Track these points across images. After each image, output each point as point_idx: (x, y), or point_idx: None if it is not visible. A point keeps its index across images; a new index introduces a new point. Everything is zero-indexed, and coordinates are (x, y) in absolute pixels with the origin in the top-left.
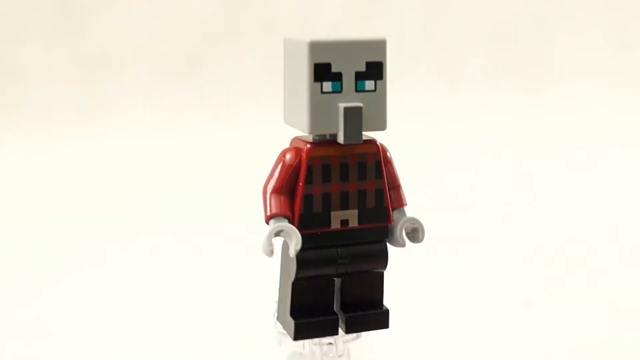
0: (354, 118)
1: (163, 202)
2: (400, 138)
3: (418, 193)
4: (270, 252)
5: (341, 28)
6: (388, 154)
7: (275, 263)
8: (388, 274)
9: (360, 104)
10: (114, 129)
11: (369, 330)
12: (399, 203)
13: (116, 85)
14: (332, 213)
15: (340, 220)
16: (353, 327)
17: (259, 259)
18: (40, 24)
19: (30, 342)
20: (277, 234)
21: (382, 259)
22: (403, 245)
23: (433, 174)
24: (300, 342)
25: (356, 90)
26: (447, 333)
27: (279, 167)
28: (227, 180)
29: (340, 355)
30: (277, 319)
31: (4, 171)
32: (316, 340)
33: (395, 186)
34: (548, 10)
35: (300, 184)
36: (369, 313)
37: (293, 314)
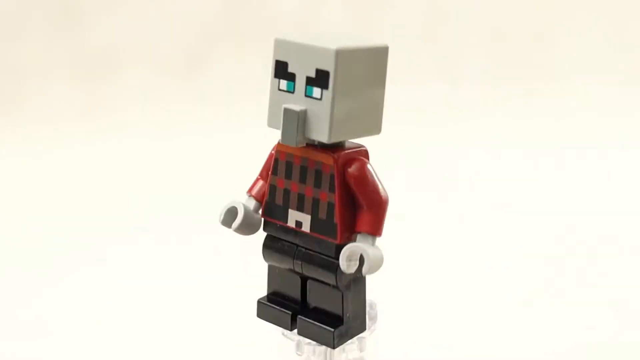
0: (290, 120)
1: (163, 201)
2: (400, 138)
3: (418, 193)
4: (224, 223)
5: (341, 28)
6: (356, 173)
7: None
8: (388, 275)
9: (302, 108)
10: (114, 128)
11: (313, 340)
12: (360, 227)
13: (116, 85)
14: (290, 210)
15: (295, 220)
16: (301, 330)
17: (260, 259)
18: (40, 24)
19: (30, 342)
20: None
21: (330, 273)
22: (344, 270)
23: (433, 174)
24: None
25: (305, 95)
26: (448, 333)
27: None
28: (227, 180)
29: None
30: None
31: (4, 171)
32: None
33: (366, 208)
34: (548, 10)
35: (269, 172)
36: (315, 324)
37: (268, 296)
